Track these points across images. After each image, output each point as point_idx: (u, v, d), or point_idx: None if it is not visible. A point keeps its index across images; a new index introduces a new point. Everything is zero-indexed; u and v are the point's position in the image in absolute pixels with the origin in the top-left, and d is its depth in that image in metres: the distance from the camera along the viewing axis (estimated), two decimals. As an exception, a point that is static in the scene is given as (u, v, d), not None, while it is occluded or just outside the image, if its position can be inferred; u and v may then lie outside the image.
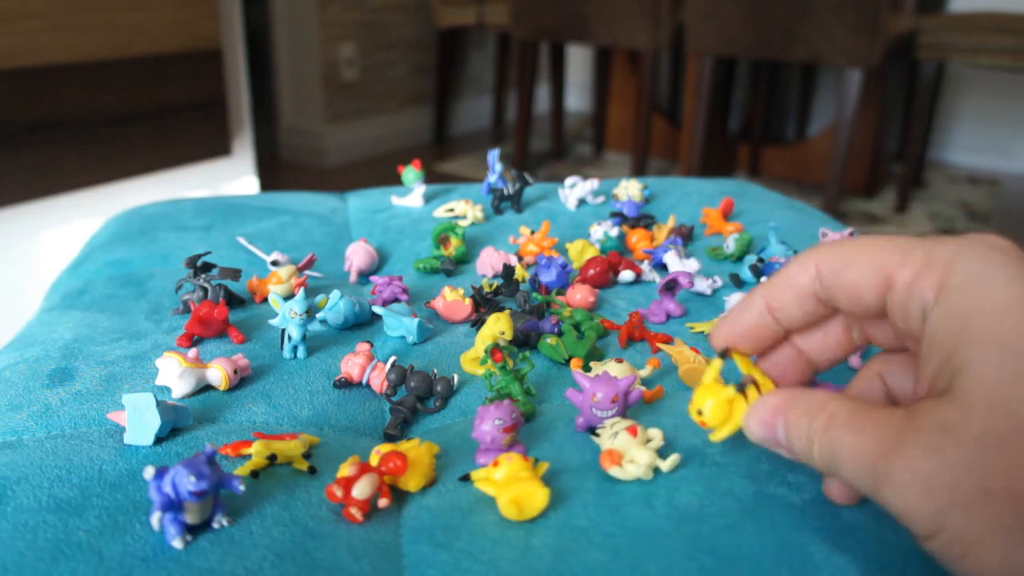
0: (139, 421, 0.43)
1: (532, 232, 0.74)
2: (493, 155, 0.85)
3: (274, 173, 2.84)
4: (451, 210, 0.82)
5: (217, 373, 0.49)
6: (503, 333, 0.51)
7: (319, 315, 0.57)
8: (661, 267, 0.70)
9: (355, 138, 3.05)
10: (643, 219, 0.80)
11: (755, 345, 0.37)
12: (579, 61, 3.91)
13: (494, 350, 0.47)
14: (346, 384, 0.51)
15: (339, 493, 0.37)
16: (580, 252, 0.70)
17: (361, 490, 0.36)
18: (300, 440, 0.42)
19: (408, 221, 0.81)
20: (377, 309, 0.57)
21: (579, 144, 3.36)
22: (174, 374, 0.48)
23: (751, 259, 0.67)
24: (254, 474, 0.40)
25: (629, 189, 0.85)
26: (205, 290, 0.59)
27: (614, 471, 0.38)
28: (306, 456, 0.42)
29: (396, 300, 0.61)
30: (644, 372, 0.50)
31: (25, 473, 0.40)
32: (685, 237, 0.76)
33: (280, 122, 3.02)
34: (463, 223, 0.78)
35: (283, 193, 0.90)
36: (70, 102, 1.40)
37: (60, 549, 0.34)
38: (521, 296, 0.59)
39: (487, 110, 3.61)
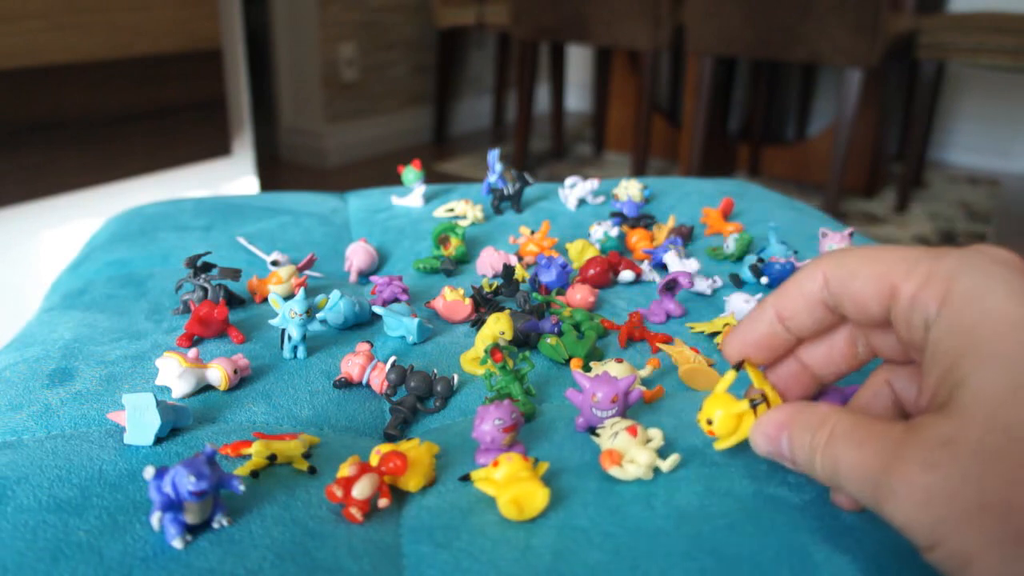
0: (139, 421, 0.43)
1: (532, 232, 0.74)
2: (493, 155, 0.85)
3: (274, 173, 2.84)
4: (451, 210, 0.82)
5: (217, 373, 0.49)
6: (503, 333, 0.51)
7: (319, 315, 0.57)
8: (661, 267, 0.70)
9: (355, 138, 3.05)
10: (643, 219, 0.80)
11: (767, 355, 0.38)
12: (579, 61, 3.91)
13: (494, 350, 0.47)
14: (346, 384, 0.51)
15: (339, 493, 0.37)
16: (580, 252, 0.70)
17: (361, 490, 0.36)
18: (300, 440, 0.42)
19: (408, 221, 0.81)
20: (377, 309, 0.57)
21: (579, 144, 3.36)
22: (174, 374, 0.48)
23: (751, 259, 0.67)
24: (254, 474, 0.40)
25: (629, 189, 0.85)
26: (205, 290, 0.59)
27: (614, 471, 0.38)
28: (306, 456, 0.42)
29: (396, 300, 0.61)
30: (644, 372, 0.50)
31: (25, 473, 0.40)
32: (685, 237, 0.76)
33: (280, 122, 3.02)
34: (463, 223, 0.78)
35: (283, 193, 0.90)
36: (70, 102, 1.40)
37: (60, 549, 0.34)
38: (521, 296, 0.59)
39: (487, 110, 3.61)
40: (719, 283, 0.65)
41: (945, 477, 0.28)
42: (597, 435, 0.41)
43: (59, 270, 0.77)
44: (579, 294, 0.62)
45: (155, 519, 0.35)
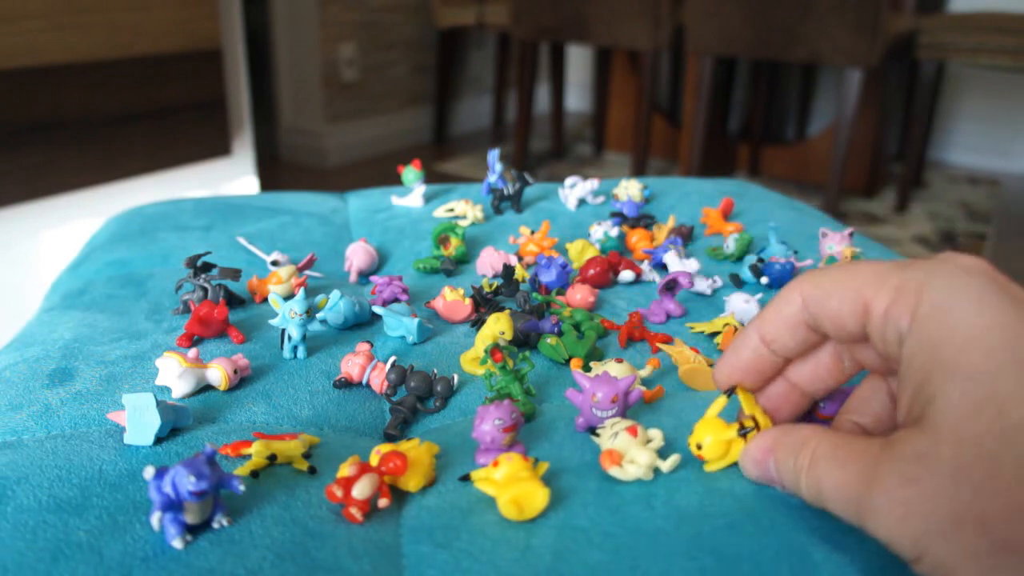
0: (139, 421, 0.43)
1: (532, 232, 0.74)
2: (493, 155, 0.85)
3: (274, 173, 2.84)
4: (451, 210, 0.82)
5: (217, 373, 0.49)
6: (503, 333, 0.51)
7: (319, 315, 0.57)
8: (661, 267, 0.70)
9: (355, 138, 3.05)
10: (643, 219, 0.80)
11: (757, 378, 0.39)
12: (579, 61, 3.91)
13: (494, 350, 0.47)
14: (346, 384, 0.51)
15: (339, 493, 0.37)
16: (580, 252, 0.70)
17: (361, 490, 0.36)
18: (300, 440, 0.42)
19: (408, 221, 0.81)
20: (377, 309, 0.57)
21: (579, 144, 3.36)
22: (174, 374, 0.48)
23: (751, 259, 0.67)
24: (254, 474, 0.40)
25: (629, 189, 0.85)
26: (205, 290, 0.59)
27: (614, 471, 0.38)
28: (306, 456, 0.42)
29: (396, 300, 0.61)
30: (644, 372, 0.50)
31: (25, 473, 0.40)
32: (685, 237, 0.76)
33: (280, 122, 3.02)
34: (463, 223, 0.78)
35: (283, 193, 0.90)
36: (70, 102, 1.40)
37: (60, 549, 0.34)
38: (521, 296, 0.59)
39: (487, 110, 3.61)
40: (719, 283, 0.65)
41: (922, 492, 0.29)
42: (597, 435, 0.41)
43: (59, 270, 0.77)
44: (579, 294, 0.62)
45: (155, 519, 0.35)
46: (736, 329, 0.57)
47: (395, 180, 1.04)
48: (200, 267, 0.60)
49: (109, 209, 1.44)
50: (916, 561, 0.29)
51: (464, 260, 0.72)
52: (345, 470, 0.37)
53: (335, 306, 0.57)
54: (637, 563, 0.33)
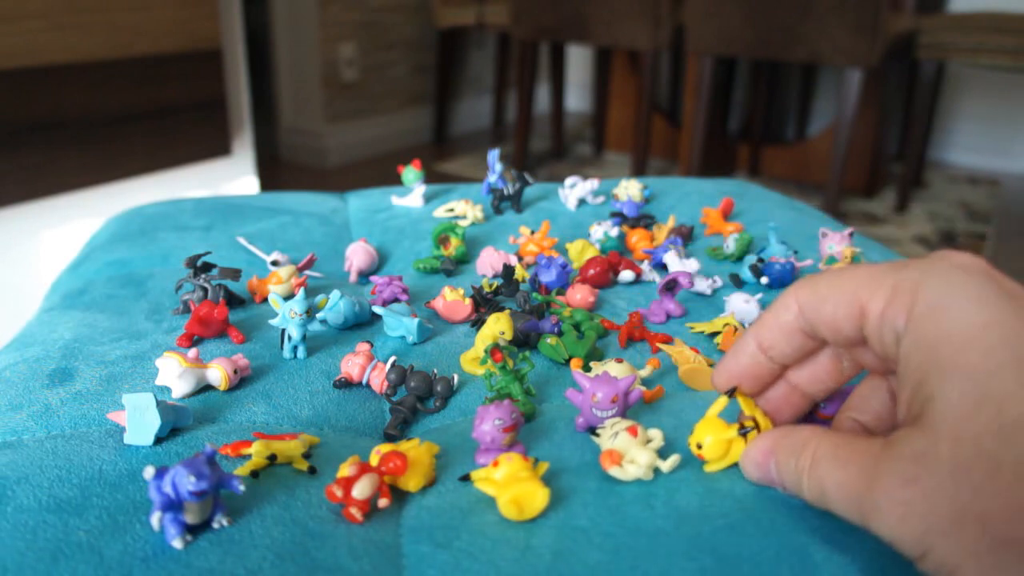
0: (139, 421, 0.43)
1: (532, 232, 0.74)
2: (493, 155, 0.85)
3: (274, 173, 2.84)
4: (451, 210, 0.82)
5: (217, 373, 0.49)
6: (503, 333, 0.51)
7: (319, 315, 0.57)
8: (661, 267, 0.70)
9: (355, 138, 3.05)
10: (643, 219, 0.80)
11: (755, 384, 0.39)
12: (579, 61, 3.91)
13: (494, 350, 0.47)
14: (346, 384, 0.51)
15: (339, 493, 0.37)
16: (580, 252, 0.70)
17: (361, 490, 0.36)
18: (300, 440, 0.42)
19: (408, 221, 0.81)
20: (377, 309, 0.57)
21: (579, 144, 3.36)
22: (174, 374, 0.48)
23: (751, 259, 0.67)
24: (254, 474, 0.40)
25: (629, 189, 0.85)
26: (205, 290, 0.59)
27: (614, 471, 0.38)
28: (306, 456, 0.42)
29: (396, 300, 0.61)
30: (644, 372, 0.50)
31: (25, 473, 0.40)
32: (685, 237, 0.76)
33: (280, 122, 3.02)
34: (463, 223, 0.78)
35: (283, 193, 0.90)
36: (70, 102, 1.40)
37: (60, 549, 0.34)
38: (521, 296, 0.59)
39: (487, 110, 3.61)
40: (719, 283, 0.65)
41: (923, 491, 0.29)
42: (597, 435, 0.41)
43: (59, 270, 0.77)
44: (579, 294, 0.62)
45: (155, 519, 0.34)
46: (736, 329, 0.57)
47: (395, 180, 1.04)
48: (200, 267, 0.60)
49: (109, 209, 1.44)
50: (919, 559, 0.29)
51: (464, 260, 0.72)
52: (345, 470, 0.37)
53: (335, 306, 0.57)
54: (637, 563, 0.33)
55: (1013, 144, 3.08)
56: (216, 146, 1.67)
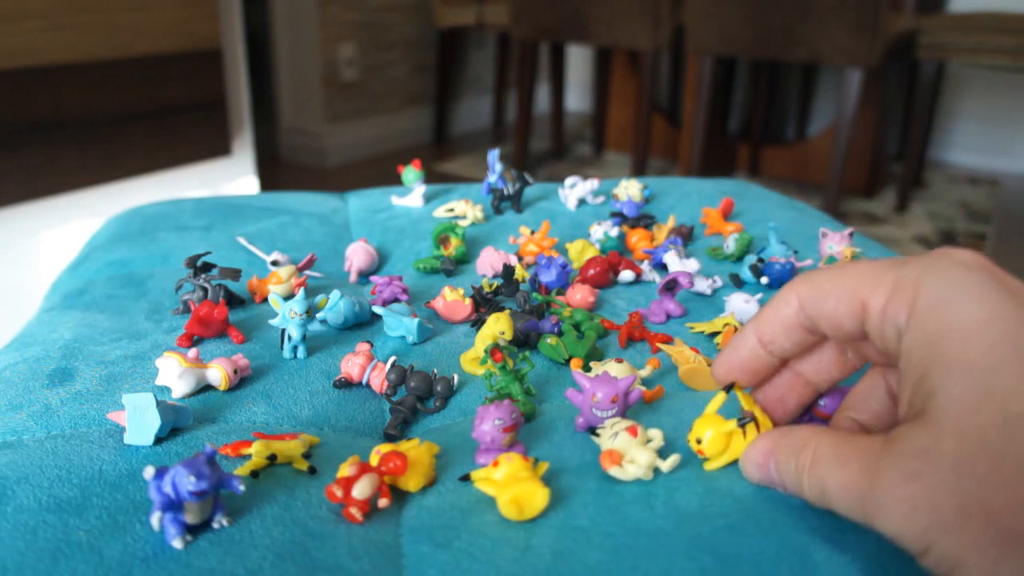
0: (139, 421, 0.43)
1: (532, 232, 0.74)
2: (493, 155, 0.85)
3: (274, 173, 2.84)
4: (451, 210, 0.82)
5: (217, 373, 0.49)
6: (503, 333, 0.51)
7: (319, 315, 0.57)
8: (661, 267, 0.70)
9: (355, 138, 3.05)
10: (643, 219, 0.80)
11: (753, 378, 0.39)
12: (579, 61, 3.91)
13: (494, 350, 0.47)
14: (346, 384, 0.51)
15: (339, 493, 0.37)
16: (580, 252, 0.70)
17: (361, 490, 0.36)
18: (300, 440, 0.42)
19: (408, 221, 0.81)
20: (377, 309, 0.57)
21: (579, 144, 3.36)
22: (174, 374, 0.48)
23: (751, 259, 0.67)
24: (254, 474, 0.40)
25: (629, 189, 0.85)
26: (205, 290, 0.59)
27: (614, 471, 0.38)
28: (306, 456, 0.42)
29: (396, 300, 0.61)
30: (644, 372, 0.50)
31: (25, 473, 0.40)
32: (685, 237, 0.76)
33: (280, 122, 3.02)
34: (463, 223, 0.78)
35: (283, 193, 0.90)
36: (70, 102, 1.40)
37: (60, 549, 0.34)
38: (521, 296, 0.59)
39: (487, 110, 3.61)
40: (719, 283, 0.65)
41: (926, 486, 0.29)
42: (597, 435, 0.41)
43: (59, 270, 0.77)
44: (579, 294, 0.62)
45: (155, 519, 0.34)
46: (736, 329, 0.57)
47: (395, 180, 1.04)
48: (200, 267, 0.60)
49: (109, 209, 1.44)
50: (922, 555, 0.29)
51: (464, 260, 0.72)
52: (345, 470, 0.37)
53: (335, 306, 0.57)
54: (637, 563, 0.33)
55: (1013, 144, 3.08)
56: (216, 146, 1.67)
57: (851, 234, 0.70)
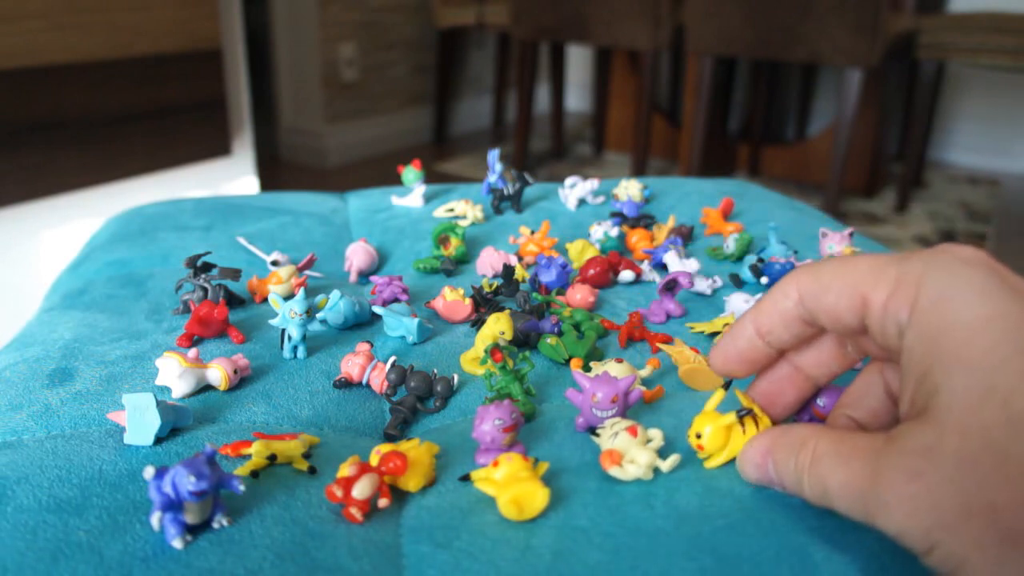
0: (139, 421, 0.43)
1: (532, 232, 0.74)
2: (493, 155, 0.85)
3: (274, 173, 2.84)
4: (451, 210, 0.82)
5: (217, 373, 0.49)
6: (503, 333, 0.51)
7: (319, 315, 0.57)
8: (661, 267, 0.70)
9: (355, 138, 3.05)
10: (643, 219, 0.80)
11: (750, 368, 0.39)
12: (579, 61, 3.91)
13: (494, 350, 0.47)
14: (346, 384, 0.51)
15: (339, 493, 0.37)
16: (580, 252, 0.70)
17: (361, 490, 0.36)
18: (300, 440, 0.42)
19: (408, 221, 0.81)
20: (377, 309, 0.57)
21: (579, 144, 3.36)
22: (174, 374, 0.48)
23: (751, 259, 0.67)
24: (254, 474, 0.40)
25: (629, 189, 0.85)
26: (205, 290, 0.59)
27: (614, 471, 0.38)
28: (306, 456, 0.42)
29: (396, 300, 0.61)
30: (644, 372, 0.50)
31: (25, 473, 0.40)
32: (685, 237, 0.76)
33: (280, 122, 3.02)
34: (463, 223, 0.78)
35: (283, 193, 0.90)
36: (70, 102, 1.40)
37: (60, 549, 0.34)
38: (521, 296, 0.59)
39: (487, 110, 3.61)
40: (719, 283, 0.65)
41: (929, 485, 0.29)
42: (597, 435, 0.41)
43: (59, 270, 0.77)
44: (579, 294, 0.62)
45: (155, 519, 0.34)
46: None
47: (395, 180, 1.04)
48: (200, 267, 0.60)
49: (109, 209, 1.44)
50: (925, 554, 0.29)
51: (464, 260, 0.72)
52: (345, 470, 0.37)
53: (335, 306, 0.57)
54: (637, 563, 0.33)
55: (1013, 144, 3.08)
56: (216, 146, 1.67)
57: (851, 234, 0.70)
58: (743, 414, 0.38)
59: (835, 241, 0.69)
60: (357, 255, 0.71)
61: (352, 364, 0.51)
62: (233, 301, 0.62)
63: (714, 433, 0.38)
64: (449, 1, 3.03)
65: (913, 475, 0.29)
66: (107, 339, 0.57)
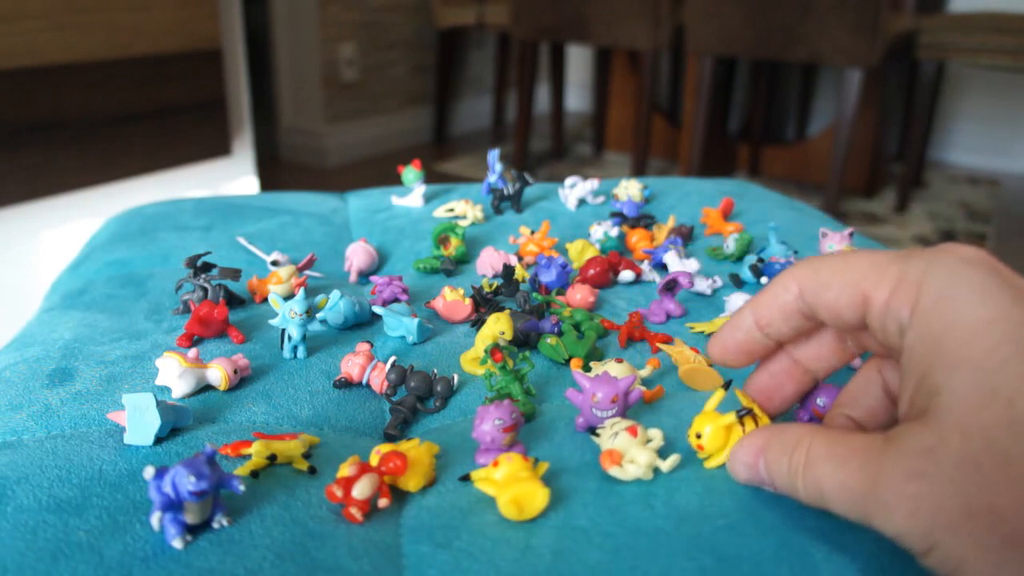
0: (139, 421, 0.43)
1: (532, 232, 0.74)
2: (493, 155, 0.85)
3: (274, 173, 2.84)
4: (451, 210, 0.82)
5: (217, 373, 0.49)
6: (503, 333, 0.51)
7: (319, 315, 0.57)
8: (661, 267, 0.70)
9: (355, 138, 3.05)
10: (643, 219, 0.80)
11: (748, 358, 0.39)
12: (579, 61, 3.91)
13: (494, 350, 0.47)
14: (346, 384, 0.51)
15: (339, 493, 0.37)
16: (580, 252, 0.70)
17: (361, 490, 0.36)
18: (300, 440, 0.42)
19: (408, 221, 0.81)
20: (377, 309, 0.57)
21: (579, 144, 3.36)
22: (174, 374, 0.48)
23: (751, 259, 0.67)
24: (254, 474, 0.40)
25: (629, 189, 0.85)
26: (205, 290, 0.59)
27: (614, 471, 0.38)
28: (306, 456, 0.42)
29: (396, 300, 0.61)
30: (644, 372, 0.50)
31: (25, 473, 0.40)
32: (685, 237, 0.76)
33: (280, 122, 3.02)
34: (463, 223, 0.78)
35: (283, 193, 0.90)
36: (70, 102, 1.40)
37: (60, 549, 0.34)
38: (521, 296, 0.59)
39: (487, 110, 3.61)
40: (719, 283, 0.65)
41: (930, 486, 0.28)
42: (597, 435, 0.41)
43: (59, 270, 0.77)
44: (579, 294, 0.62)
45: (155, 519, 0.34)
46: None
47: (395, 180, 1.04)
48: (200, 267, 0.60)
49: (109, 209, 1.44)
50: (925, 555, 0.29)
51: (464, 260, 0.72)
52: (345, 470, 0.37)
53: (335, 306, 0.57)
54: (637, 563, 0.33)
55: (1013, 144, 3.08)
56: (216, 146, 1.67)
57: (851, 234, 0.70)
58: (743, 414, 0.38)
59: (835, 241, 0.69)
60: (357, 255, 0.71)
61: (352, 364, 0.51)
62: (233, 301, 0.62)
63: (714, 433, 0.38)
64: (449, 1, 3.03)
65: (914, 475, 0.29)
66: (107, 339, 0.57)
